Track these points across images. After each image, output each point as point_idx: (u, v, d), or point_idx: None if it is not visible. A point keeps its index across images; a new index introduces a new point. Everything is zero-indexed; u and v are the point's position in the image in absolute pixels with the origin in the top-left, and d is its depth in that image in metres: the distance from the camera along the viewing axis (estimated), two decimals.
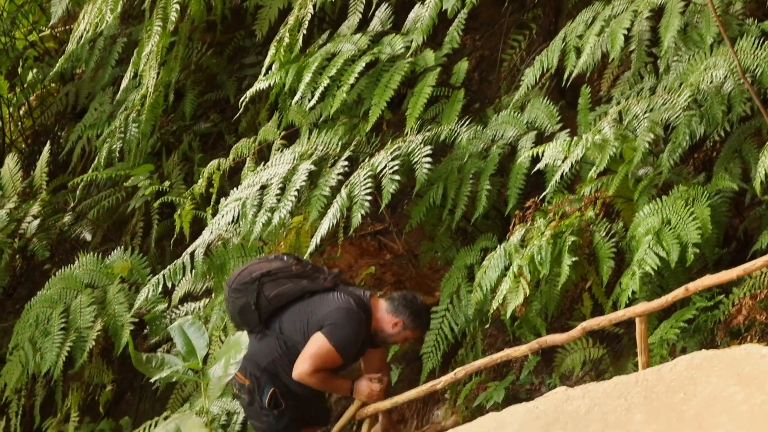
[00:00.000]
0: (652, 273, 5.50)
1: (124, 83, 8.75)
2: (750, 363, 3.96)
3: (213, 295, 7.44)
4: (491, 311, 6.19)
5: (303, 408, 6.04)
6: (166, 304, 7.81)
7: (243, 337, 5.81)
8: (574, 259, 5.78)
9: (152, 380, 5.98)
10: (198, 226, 7.58)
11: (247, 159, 7.63)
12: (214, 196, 7.39)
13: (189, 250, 7.09)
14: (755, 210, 5.82)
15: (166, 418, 6.67)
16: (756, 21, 5.79)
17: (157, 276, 7.24)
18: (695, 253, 5.36)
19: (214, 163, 7.57)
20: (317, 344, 5.68)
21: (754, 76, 5.43)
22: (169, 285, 7.27)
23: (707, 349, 4.30)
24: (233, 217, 6.85)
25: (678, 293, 4.78)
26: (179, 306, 7.73)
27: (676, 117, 5.58)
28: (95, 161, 8.91)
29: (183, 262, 7.10)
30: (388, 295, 6.13)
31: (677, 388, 4.05)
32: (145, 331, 8.04)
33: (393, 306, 5.84)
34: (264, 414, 5.96)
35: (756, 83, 5.47)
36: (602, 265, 5.82)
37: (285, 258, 6.04)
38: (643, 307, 4.86)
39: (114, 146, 8.78)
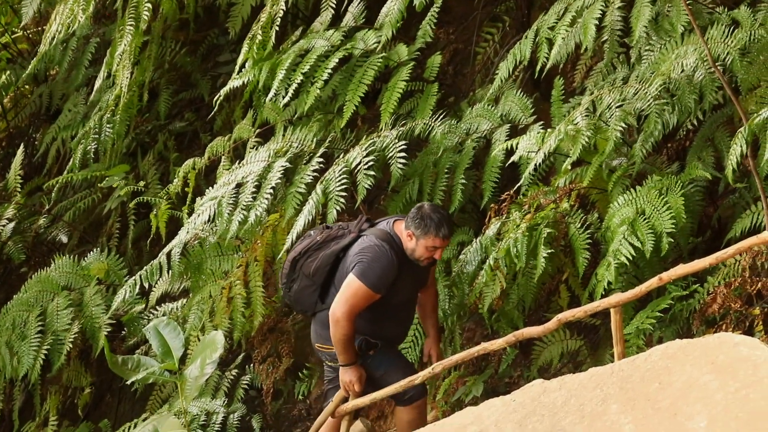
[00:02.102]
0: (628, 264, 5.51)
1: (97, 84, 8.70)
2: (724, 351, 3.96)
3: (190, 294, 7.41)
4: (469, 305, 6.19)
5: (388, 350, 5.93)
6: (144, 305, 7.78)
7: (218, 336, 5.81)
8: (549, 251, 5.79)
9: (129, 382, 5.98)
10: (174, 225, 7.56)
11: (223, 157, 7.60)
12: (189, 195, 7.36)
13: (165, 250, 7.07)
14: (729, 198, 5.84)
15: (145, 420, 6.63)
16: (726, 9, 5.80)
17: (133, 277, 7.23)
18: (670, 242, 5.38)
19: (189, 162, 7.54)
20: (349, 284, 5.64)
21: (724, 64, 5.44)
22: (147, 286, 7.26)
23: (682, 339, 4.29)
24: (209, 216, 6.83)
25: (652, 283, 4.78)
26: (157, 307, 7.70)
27: (648, 106, 5.59)
28: (70, 163, 8.86)
29: (160, 263, 7.09)
30: None
31: (652, 378, 4.05)
32: (123, 332, 8.01)
33: (405, 221, 5.70)
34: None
35: (727, 72, 5.48)
36: (578, 256, 5.83)
37: (312, 233, 6.00)
38: (617, 297, 4.85)
39: (89, 147, 8.72)
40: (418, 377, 5.60)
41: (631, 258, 5.47)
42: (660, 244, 5.39)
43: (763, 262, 5.37)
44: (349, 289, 5.64)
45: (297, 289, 5.92)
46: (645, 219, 5.50)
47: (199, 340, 6.96)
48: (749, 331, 5.27)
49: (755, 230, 5.32)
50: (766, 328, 5.26)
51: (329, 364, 6.03)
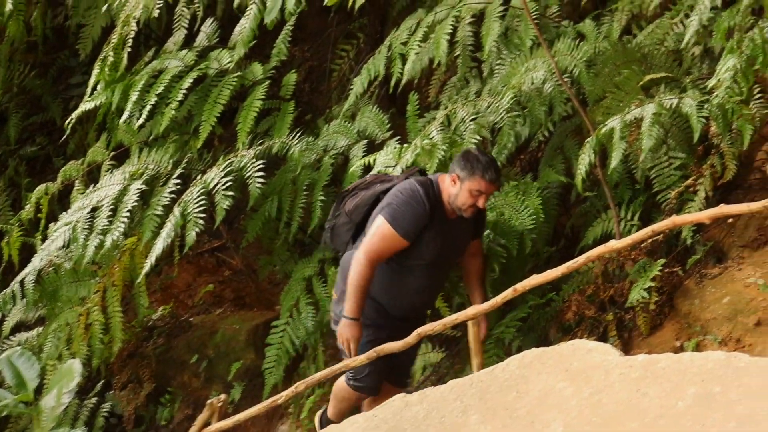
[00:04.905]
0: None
1: None
2: (577, 358, 4.03)
3: (46, 322, 7.21)
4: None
5: (380, 332, 5.53)
6: None
7: (75, 365, 5.65)
8: None
9: None
10: (28, 253, 7.36)
11: (77, 181, 7.44)
12: (43, 221, 7.19)
13: (19, 278, 6.89)
14: (581, 207, 5.98)
15: None
16: (571, 23, 5.94)
17: None
18: (532, 239, 5.50)
19: (41, 187, 7.36)
20: (378, 225, 5.30)
21: (572, 76, 5.57)
22: (0, 315, 7.04)
23: (540, 347, 4.36)
24: (64, 241, 6.69)
25: (507, 294, 4.82)
26: (11, 336, 7.48)
27: (501, 119, 5.69)
28: None
29: (13, 291, 6.91)
30: None
31: (510, 387, 4.10)
32: None
33: (451, 165, 5.36)
34: None
35: (575, 83, 5.61)
36: None
37: (367, 177, 5.76)
38: (474, 310, 4.89)
39: None
40: (282, 396, 5.54)
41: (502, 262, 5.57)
42: (523, 244, 5.50)
43: (614, 269, 5.50)
44: (378, 230, 5.32)
45: (337, 225, 5.66)
46: (506, 220, 5.61)
47: (56, 369, 6.78)
48: (603, 337, 5.39)
49: (607, 237, 5.44)
50: (618, 333, 5.39)
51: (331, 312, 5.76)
